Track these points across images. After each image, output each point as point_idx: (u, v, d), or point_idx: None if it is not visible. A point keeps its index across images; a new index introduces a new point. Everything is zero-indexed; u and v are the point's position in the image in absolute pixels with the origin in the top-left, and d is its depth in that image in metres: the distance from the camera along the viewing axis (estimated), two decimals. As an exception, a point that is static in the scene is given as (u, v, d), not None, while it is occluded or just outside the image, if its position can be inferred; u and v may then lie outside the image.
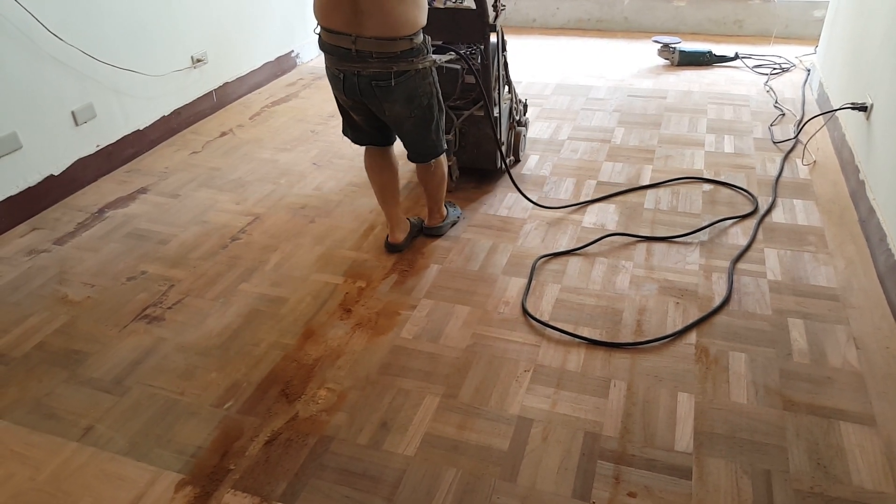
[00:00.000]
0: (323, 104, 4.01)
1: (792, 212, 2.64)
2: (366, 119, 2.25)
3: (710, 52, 4.36)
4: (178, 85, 3.63)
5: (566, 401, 1.81)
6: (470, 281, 2.33)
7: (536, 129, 3.52)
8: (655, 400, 1.80)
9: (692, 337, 2.02)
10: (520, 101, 3.10)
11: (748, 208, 2.65)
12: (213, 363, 2.02)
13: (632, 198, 2.80)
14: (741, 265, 2.33)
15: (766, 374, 1.86)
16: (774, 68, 4.21)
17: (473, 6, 2.48)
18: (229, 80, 4.04)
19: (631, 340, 2.01)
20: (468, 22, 2.51)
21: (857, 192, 2.62)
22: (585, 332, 2.05)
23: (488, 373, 1.92)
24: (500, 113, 2.76)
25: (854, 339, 1.98)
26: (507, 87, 2.91)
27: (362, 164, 2.45)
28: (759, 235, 2.49)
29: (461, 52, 2.46)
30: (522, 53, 4.77)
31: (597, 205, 2.76)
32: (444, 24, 2.53)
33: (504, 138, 2.90)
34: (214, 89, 3.92)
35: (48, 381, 1.97)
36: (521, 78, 4.27)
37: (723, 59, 4.37)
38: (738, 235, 2.50)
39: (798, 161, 3.03)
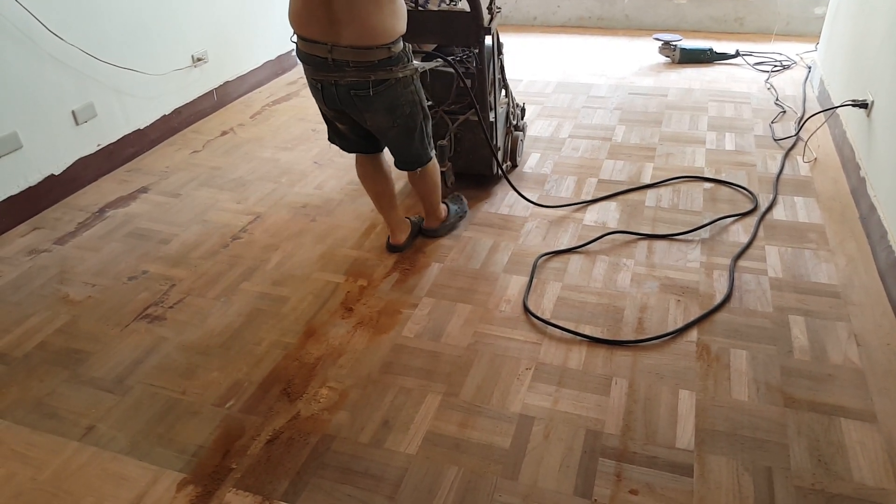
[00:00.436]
0: (323, 103, 4.01)
1: (793, 209, 2.63)
2: (350, 128, 2.21)
3: (711, 50, 4.35)
4: (178, 84, 3.63)
5: (568, 398, 1.81)
6: (471, 279, 2.33)
7: (537, 127, 3.52)
8: (657, 397, 1.80)
9: (693, 334, 2.02)
10: (517, 104, 3.05)
11: (749, 206, 2.65)
12: (214, 362, 2.02)
13: (633, 196, 2.80)
14: (742, 262, 2.33)
15: (768, 372, 1.86)
16: (775, 65, 4.21)
17: (467, 8, 2.42)
18: (230, 79, 4.04)
19: (632, 338, 2.01)
20: (462, 25, 2.44)
21: (858, 189, 2.61)
22: (587, 330, 2.05)
23: (490, 371, 1.92)
24: (496, 118, 2.71)
25: (855, 335, 1.98)
26: (503, 91, 2.85)
27: (363, 163, 2.45)
28: (760, 233, 2.49)
29: (450, 58, 2.40)
30: (523, 52, 4.76)
31: (598, 202, 2.76)
32: (438, 27, 2.48)
33: (500, 143, 2.84)
34: (215, 88, 3.93)
35: (49, 381, 1.98)
36: (522, 76, 4.26)
37: (724, 56, 4.36)
38: (739, 233, 2.50)
39: (799, 158, 3.03)
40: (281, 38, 4.48)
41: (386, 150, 2.34)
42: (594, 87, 4.05)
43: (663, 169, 3.00)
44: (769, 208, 2.64)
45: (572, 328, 2.05)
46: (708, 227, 2.53)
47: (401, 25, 1.94)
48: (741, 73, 4.14)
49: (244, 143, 3.52)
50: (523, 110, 3.13)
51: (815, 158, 3.02)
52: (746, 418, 1.72)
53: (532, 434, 1.71)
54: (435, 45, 2.58)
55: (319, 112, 2.23)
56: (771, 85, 3.91)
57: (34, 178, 2.88)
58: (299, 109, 3.93)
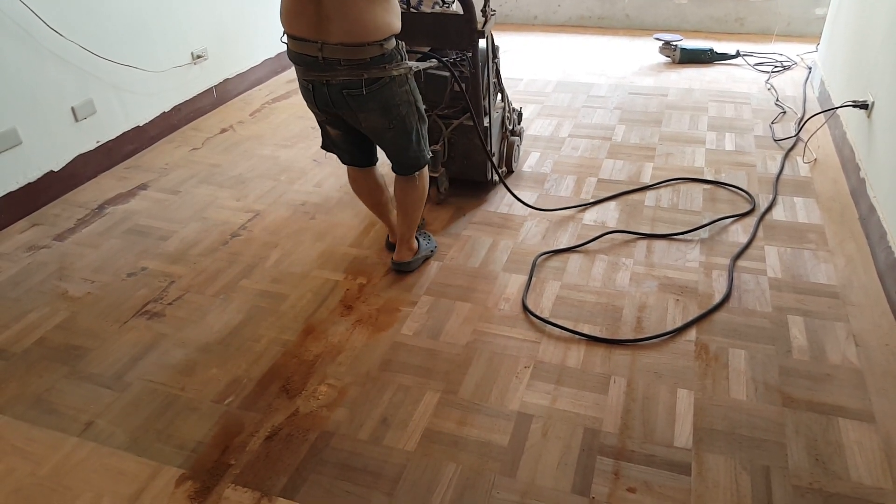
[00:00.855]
0: (323, 101, 4.00)
1: (792, 209, 2.64)
2: (343, 134, 2.14)
3: (711, 50, 4.35)
4: (178, 81, 3.63)
5: (566, 397, 1.82)
6: (470, 278, 2.33)
7: (537, 126, 3.52)
8: (655, 396, 1.81)
9: (692, 334, 2.02)
10: (514, 109, 2.99)
11: (748, 207, 2.65)
12: (213, 359, 2.02)
13: (632, 195, 2.80)
14: (741, 262, 2.33)
15: (766, 371, 1.87)
16: (776, 66, 4.21)
17: (461, 11, 2.35)
18: (230, 77, 4.04)
19: (631, 337, 2.01)
20: (455, 28, 2.38)
21: (858, 189, 2.62)
22: (585, 329, 2.05)
23: (488, 369, 1.92)
24: (490, 122, 2.64)
25: (854, 336, 1.98)
26: (499, 95, 2.80)
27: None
28: (760, 233, 2.49)
29: (445, 59, 2.35)
30: (523, 51, 4.76)
31: (596, 205, 2.76)
32: (431, 30, 2.42)
33: (496, 148, 2.78)
34: (215, 85, 3.92)
35: (48, 377, 1.98)
36: (523, 75, 4.27)
37: (724, 56, 4.36)
38: (739, 233, 2.50)
39: (799, 159, 3.03)
40: (281, 35, 4.47)
41: (380, 161, 2.28)
42: (594, 86, 4.05)
43: (663, 169, 3.00)
44: (769, 208, 2.64)
45: (571, 327, 2.06)
46: (707, 227, 2.53)
47: (394, 23, 1.87)
48: (741, 74, 4.15)
49: (244, 141, 3.52)
50: (520, 115, 3.07)
51: (815, 159, 3.02)
52: (745, 417, 1.73)
53: (530, 432, 1.71)
54: (428, 49, 2.53)
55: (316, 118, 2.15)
56: (771, 85, 3.91)
57: (33, 175, 2.88)
58: (299, 107, 3.93)
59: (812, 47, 4.40)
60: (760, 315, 2.08)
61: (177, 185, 3.07)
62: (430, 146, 2.48)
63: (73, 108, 3.02)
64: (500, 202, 2.79)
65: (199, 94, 3.80)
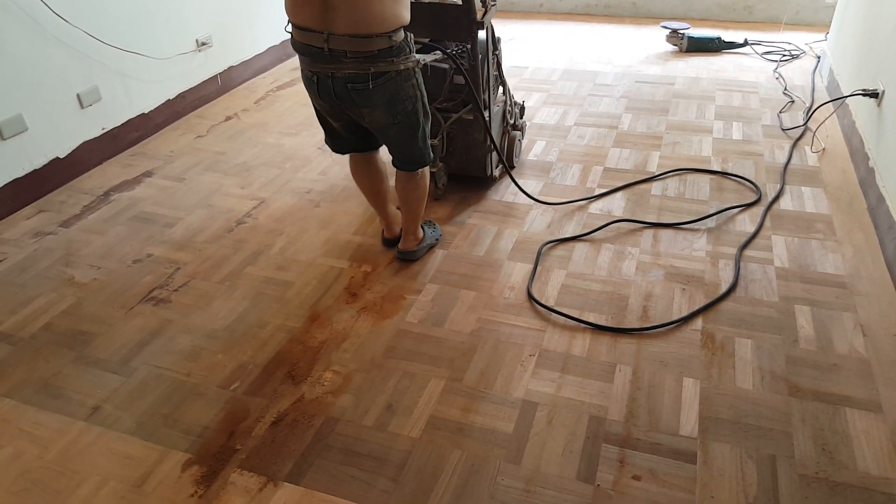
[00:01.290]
0: (328, 89, 3.99)
1: (800, 199, 2.62)
2: (345, 125, 2.08)
3: (719, 39, 4.31)
4: (182, 68, 3.62)
5: (571, 385, 1.81)
6: (475, 266, 2.33)
7: (543, 114, 3.50)
8: (661, 385, 1.80)
9: (698, 323, 2.01)
10: (515, 103, 2.89)
11: (755, 196, 2.64)
12: (219, 345, 2.02)
13: (639, 184, 2.78)
14: (748, 252, 2.32)
15: (772, 361, 1.86)
16: (784, 55, 4.17)
17: (459, 1, 2.29)
18: (234, 64, 4.03)
19: (637, 326, 2.01)
20: (454, 18, 2.31)
21: (867, 179, 2.60)
22: (591, 318, 2.05)
23: (493, 357, 1.92)
24: (490, 116, 2.56)
25: (861, 326, 1.97)
26: (500, 89, 2.72)
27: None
28: (767, 222, 2.48)
29: (449, 51, 2.29)
30: (529, 38, 4.73)
31: (604, 190, 2.74)
32: (429, 20, 2.35)
33: (496, 143, 2.68)
34: (219, 73, 3.91)
35: (55, 362, 1.98)
36: (528, 63, 4.24)
37: (732, 45, 4.33)
38: (746, 222, 2.49)
39: (807, 148, 3.01)
40: (285, 24, 4.45)
41: (381, 148, 2.24)
42: (600, 74, 4.02)
43: (670, 158, 2.99)
44: (776, 198, 2.62)
45: (576, 315, 2.05)
46: (714, 216, 2.52)
47: (404, 14, 1.81)
48: (749, 63, 4.11)
49: (248, 129, 3.51)
50: (522, 109, 2.99)
51: (824, 148, 3.00)
52: (751, 407, 1.72)
53: (535, 419, 1.71)
54: (428, 40, 2.46)
55: (314, 109, 2.12)
56: (779, 74, 3.88)
57: (39, 161, 2.88)
58: (303, 95, 3.90)
59: (821, 36, 4.36)
60: (767, 304, 2.07)
61: (182, 173, 3.07)
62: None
63: (78, 95, 3.01)
64: (506, 191, 2.78)
65: (203, 82, 3.79)
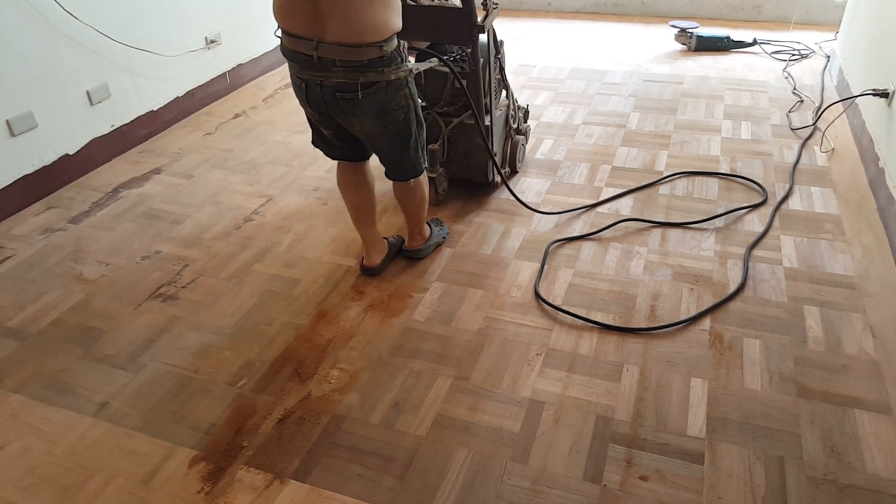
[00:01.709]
0: (336, 87, 3.99)
1: (809, 199, 2.60)
2: (335, 133, 2.02)
3: (727, 38, 4.29)
4: (191, 66, 3.63)
5: (578, 384, 1.81)
6: (482, 264, 2.32)
7: (551, 113, 3.49)
8: (668, 385, 1.80)
9: (706, 323, 2.01)
10: (519, 107, 2.85)
11: (760, 199, 2.61)
12: (226, 342, 2.03)
13: (641, 189, 2.77)
14: (757, 252, 2.31)
15: (781, 361, 1.85)
16: (793, 54, 4.15)
17: (459, 4, 2.23)
18: (243, 62, 4.04)
19: (644, 326, 2.00)
20: (454, 21, 2.24)
21: (877, 179, 2.58)
22: (598, 317, 2.04)
23: (500, 356, 1.92)
24: (492, 121, 2.51)
25: (870, 327, 1.96)
26: (503, 93, 2.68)
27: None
28: (776, 222, 2.46)
29: (445, 58, 2.23)
30: (537, 37, 4.72)
31: (611, 189, 2.73)
32: (429, 24, 2.29)
33: (498, 148, 2.65)
34: (228, 71, 3.92)
35: (64, 357, 1.99)
36: (536, 62, 4.23)
37: (741, 44, 4.30)
38: (754, 222, 2.47)
39: (816, 148, 2.99)
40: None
41: (372, 158, 2.17)
42: (609, 73, 4.01)
43: (678, 157, 2.97)
44: (785, 198, 2.61)
45: (584, 315, 2.05)
46: (723, 216, 2.50)
47: (395, 21, 1.76)
48: (758, 62, 4.09)
49: (256, 126, 3.51)
50: (526, 113, 2.93)
51: (833, 148, 2.98)
52: (759, 407, 1.72)
53: (542, 419, 1.71)
54: (425, 45, 2.40)
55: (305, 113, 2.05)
56: (789, 74, 3.85)
57: (49, 158, 2.89)
58: (312, 93, 3.92)
59: (831, 35, 4.33)
60: (776, 305, 2.06)
61: (190, 170, 3.08)
62: (428, 145, 2.39)
63: (88, 92, 3.03)
64: (513, 189, 2.76)
65: (212, 79, 3.80)
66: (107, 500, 1.56)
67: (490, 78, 2.46)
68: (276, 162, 3.13)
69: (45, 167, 2.88)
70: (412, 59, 2.32)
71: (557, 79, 3.96)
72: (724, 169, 2.86)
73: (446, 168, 2.65)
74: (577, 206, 2.62)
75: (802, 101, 3.49)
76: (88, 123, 3.07)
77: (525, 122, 2.95)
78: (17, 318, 2.17)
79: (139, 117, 3.34)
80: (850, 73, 3.40)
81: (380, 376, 1.87)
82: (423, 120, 2.01)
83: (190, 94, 3.65)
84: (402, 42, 1.84)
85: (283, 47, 1.84)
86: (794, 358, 1.86)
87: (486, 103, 2.48)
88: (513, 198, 2.59)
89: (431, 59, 2.19)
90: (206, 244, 2.51)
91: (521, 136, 2.86)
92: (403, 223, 2.38)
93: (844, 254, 2.28)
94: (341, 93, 1.80)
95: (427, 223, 2.36)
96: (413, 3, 2.28)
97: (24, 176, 2.79)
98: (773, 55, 4.18)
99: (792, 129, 3.18)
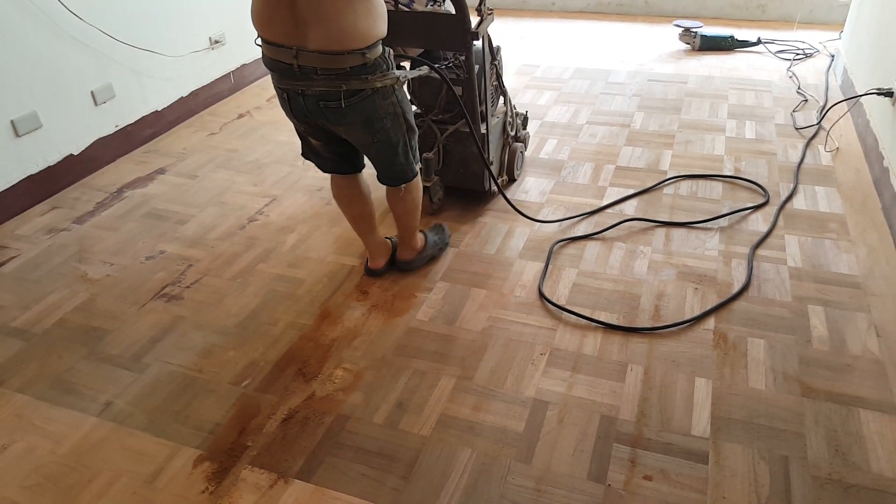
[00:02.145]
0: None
1: (813, 198, 2.60)
2: (325, 144, 1.98)
3: (732, 37, 4.28)
4: (195, 66, 3.64)
5: (582, 384, 1.81)
6: (486, 264, 2.32)
7: (554, 113, 3.49)
8: (672, 385, 1.79)
9: (710, 323, 2.00)
10: (517, 113, 2.77)
11: (761, 199, 2.60)
12: (230, 342, 2.03)
13: (651, 182, 2.77)
14: (761, 251, 2.30)
15: (785, 361, 1.85)
16: (798, 54, 4.14)
17: (453, 10, 2.16)
18: (247, 62, 4.04)
19: (648, 325, 2.00)
20: (447, 28, 2.18)
21: (881, 179, 2.57)
22: (602, 317, 2.04)
23: (504, 355, 1.92)
24: (488, 129, 2.44)
25: (875, 326, 1.95)
26: (501, 100, 2.61)
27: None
28: (780, 222, 2.46)
29: (437, 66, 2.16)
30: (541, 37, 4.72)
31: (615, 188, 2.73)
32: (422, 31, 2.23)
33: (495, 157, 2.58)
34: (232, 71, 3.93)
35: (68, 357, 2.00)
36: (540, 62, 4.23)
37: (745, 44, 4.29)
38: (759, 222, 2.47)
39: (820, 147, 2.98)
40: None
41: (366, 167, 2.14)
42: (613, 73, 4.00)
43: (682, 157, 2.97)
44: (789, 197, 2.60)
45: (588, 314, 2.04)
46: (727, 216, 2.50)
47: (378, 27, 1.70)
48: (762, 61, 4.08)
49: (260, 127, 3.52)
50: (525, 119, 2.88)
51: (837, 148, 2.97)
52: (763, 407, 1.71)
53: (546, 418, 1.71)
54: (419, 52, 2.35)
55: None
56: (793, 73, 3.84)
57: (53, 158, 2.90)
58: (315, 93, 3.92)
59: (835, 35, 4.32)
60: (780, 304, 2.05)
61: (194, 170, 3.09)
62: (423, 153, 2.35)
63: (92, 93, 3.03)
64: (517, 189, 2.77)
65: (216, 80, 3.81)
66: (111, 499, 1.56)
67: (486, 85, 2.40)
68: (280, 162, 3.13)
69: (49, 167, 2.88)
70: (407, 66, 2.30)
71: (561, 78, 3.96)
72: (728, 169, 2.85)
73: (442, 177, 2.60)
74: (578, 214, 2.56)
75: (807, 100, 3.48)
76: (93, 124, 3.08)
77: (524, 128, 2.89)
78: (22, 318, 2.18)
79: (144, 117, 3.34)
80: (854, 73, 3.39)
81: (384, 376, 1.87)
82: (414, 125, 1.96)
83: (194, 94, 3.66)
84: (387, 49, 1.79)
85: (263, 56, 1.79)
86: (798, 357, 1.85)
87: (481, 111, 2.41)
88: (516, 197, 2.59)
89: (422, 67, 2.13)
90: (210, 244, 2.52)
91: (520, 144, 2.79)
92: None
93: (849, 253, 2.27)
94: (324, 102, 1.75)
95: (423, 233, 2.32)
96: (406, 10, 2.23)
97: (28, 176, 2.80)
98: (777, 55, 4.17)
99: (796, 129, 3.17)
